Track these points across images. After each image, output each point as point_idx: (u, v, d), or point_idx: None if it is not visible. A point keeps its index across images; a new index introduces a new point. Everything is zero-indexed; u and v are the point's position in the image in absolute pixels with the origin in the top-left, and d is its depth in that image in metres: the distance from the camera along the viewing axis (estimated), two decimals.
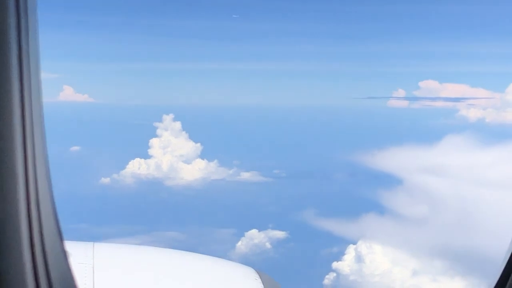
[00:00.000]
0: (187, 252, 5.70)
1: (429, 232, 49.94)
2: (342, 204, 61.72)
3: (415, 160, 67.85)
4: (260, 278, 5.04)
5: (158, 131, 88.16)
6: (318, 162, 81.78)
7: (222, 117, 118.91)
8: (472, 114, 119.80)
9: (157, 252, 5.82)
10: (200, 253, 5.74)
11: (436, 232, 49.67)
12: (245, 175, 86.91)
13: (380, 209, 56.41)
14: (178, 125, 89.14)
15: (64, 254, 2.33)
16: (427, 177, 59.85)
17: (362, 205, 58.62)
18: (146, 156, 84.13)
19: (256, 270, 5.20)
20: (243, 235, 56.02)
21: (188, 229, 59.16)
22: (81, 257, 4.74)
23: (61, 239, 2.29)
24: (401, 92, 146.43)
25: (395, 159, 69.16)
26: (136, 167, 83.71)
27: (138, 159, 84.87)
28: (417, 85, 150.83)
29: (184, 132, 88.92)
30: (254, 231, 56.04)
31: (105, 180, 78.50)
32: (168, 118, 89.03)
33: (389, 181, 63.67)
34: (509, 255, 2.55)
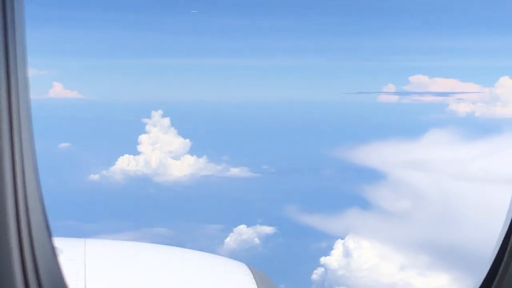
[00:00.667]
0: (179, 248, 5.70)
1: (414, 227, 50.31)
2: (330, 199, 61.93)
3: (403, 155, 68.15)
4: (252, 273, 5.03)
5: (147, 128, 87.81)
6: (307, 157, 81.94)
7: (211, 113, 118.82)
8: (462, 108, 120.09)
9: (149, 248, 5.83)
10: (190, 249, 5.82)
11: (421, 227, 50.06)
12: (234, 171, 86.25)
13: (367, 205, 56.63)
14: (167, 121, 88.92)
15: (53, 251, 2.28)
16: (416, 172, 60.17)
17: (350, 200, 58.85)
18: (135, 152, 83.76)
19: (248, 266, 5.21)
20: (231, 231, 56.04)
21: (176, 225, 59.18)
22: (73, 253, 4.72)
23: (49, 236, 2.25)
24: (391, 87, 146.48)
25: (383, 154, 69.47)
26: (125, 163, 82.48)
27: (127, 155, 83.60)
28: (407, 80, 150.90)
29: (173, 128, 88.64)
30: (242, 227, 56.06)
31: (94, 177, 78.16)
32: (156, 114, 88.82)
33: (376, 176, 63.94)
34: (496, 251, 2.57)
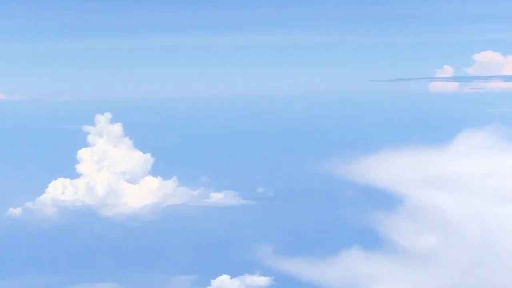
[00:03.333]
0: None
1: (442, 272, 50.49)
2: (339, 235, 63.27)
3: (438, 167, 68.17)
4: None
5: (90, 138, 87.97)
6: (311, 175, 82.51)
7: (182, 114, 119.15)
8: None
9: None
10: None
11: (452, 272, 50.19)
12: (216, 197, 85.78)
13: (378, 241, 57.05)
14: (118, 128, 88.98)
15: None
16: (446, 193, 60.27)
17: (358, 236, 59.50)
18: (73, 174, 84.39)
19: None
20: (209, 284, 56.02)
21: (131, 278, 59.35)
22: None
23: None
24: (447, 70, 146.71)
25: (409, 168, 69.54)
26: (59, 190, 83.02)
27: (61, 179, 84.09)
28: (470, 59, 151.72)
29: (127, 139, 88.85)
30: (224, 278, 56.20)
31: (15, 211, 78.70)
32: (103, 119, 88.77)
33: (389, 200, 64.44)
34: None
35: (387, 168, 69.22)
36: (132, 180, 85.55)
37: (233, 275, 56.78)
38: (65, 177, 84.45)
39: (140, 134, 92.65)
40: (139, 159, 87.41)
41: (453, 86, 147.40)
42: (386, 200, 64.66)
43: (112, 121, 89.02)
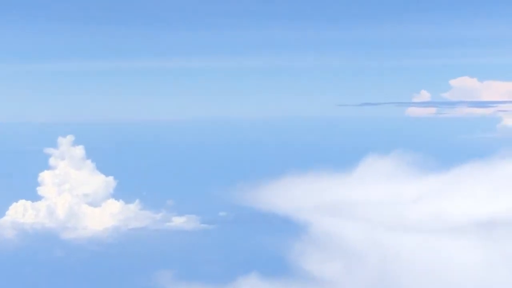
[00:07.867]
0: None
1: None
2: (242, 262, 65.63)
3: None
4: None
5: (52, 160, 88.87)
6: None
7: (145, 137, 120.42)
8: None
9: None
10: None
11: None
12: (178, 221, 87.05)
13: (278, 268, 58.37)
14: (80, 151, 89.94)
15: None
16: (340, 219, 61.56)
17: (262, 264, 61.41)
18: (34, 196, 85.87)
19: None
20: None
21: None
22: None
23: None
24: (424, 95, 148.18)
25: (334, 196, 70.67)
26: (20, 213, 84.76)
27: (22, 201, 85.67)
28: (447, 84, 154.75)
29: (89, 162, 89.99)
30: None
31: None
32: (65, 142, 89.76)
33: (293, 226, 65.76)
34: None
35: (292, 195, 70.74)
36: (94, 203, 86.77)
37: None
38: (26, 199, 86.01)
39: (103, 157, 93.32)
40: (101, 182, 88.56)
41: (430, 111, 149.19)
42: (289, 226, 66.30)
43: (74, 143, 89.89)
